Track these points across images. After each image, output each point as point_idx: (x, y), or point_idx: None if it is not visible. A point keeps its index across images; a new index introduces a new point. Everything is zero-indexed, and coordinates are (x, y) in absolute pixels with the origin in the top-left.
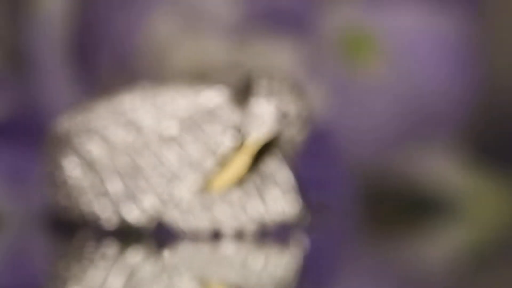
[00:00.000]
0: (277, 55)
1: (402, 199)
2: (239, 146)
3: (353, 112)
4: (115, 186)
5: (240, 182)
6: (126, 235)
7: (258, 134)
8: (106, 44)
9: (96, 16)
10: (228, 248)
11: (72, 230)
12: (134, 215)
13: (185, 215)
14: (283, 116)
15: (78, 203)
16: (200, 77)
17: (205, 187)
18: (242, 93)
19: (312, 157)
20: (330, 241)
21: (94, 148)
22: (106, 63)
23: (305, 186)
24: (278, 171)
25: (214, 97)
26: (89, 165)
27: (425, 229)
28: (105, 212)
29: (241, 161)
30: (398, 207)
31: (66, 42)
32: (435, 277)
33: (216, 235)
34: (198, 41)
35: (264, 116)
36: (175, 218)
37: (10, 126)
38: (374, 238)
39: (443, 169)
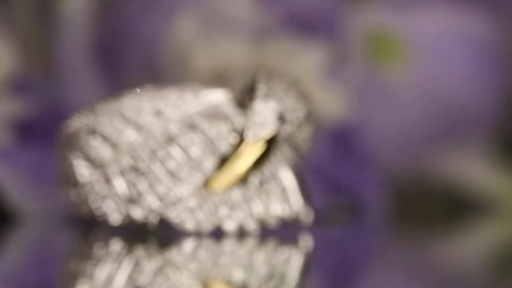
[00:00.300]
0: (302, 58)
1: (434, 200)
2: (241, 146)
3: (382, 113)
4: (120, 185)
5: (242, 182)
6: (133, 232)
7: (259, 134)
8: (132, 46)
9: (122, 18)
10: (230, 246)
11: (89, 227)
12: (139, 213)
13: (187, 213)
14: (283, 116)
15: (88, 201)
16: (222, 79)
17: (206, 187)
18: (245, 94)
19: (343, 159)
20: (363, 242)
21: (100, 148)
22: (132, 64)
23: (308, 186)
24: (279, 170)
25: (215, 98)
26: (96, 164)
27: (457, 229)
28: (112, 210)
29: (243, 161)
30: (430, 208)
31: (93, 44)
32: (468, 277)
33: (219, 234)
34: (221, 44)
35: (265, 116)
36: (179, 216)
37: (38, 126)
38: (406, 239)
39: (473, 169)
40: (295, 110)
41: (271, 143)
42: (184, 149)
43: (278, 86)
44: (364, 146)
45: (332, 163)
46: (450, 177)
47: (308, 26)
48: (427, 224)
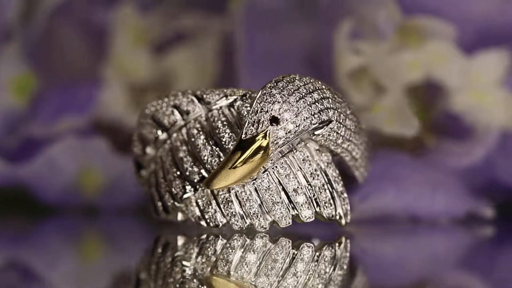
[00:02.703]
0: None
1: None
2: (252, 144)
3: None
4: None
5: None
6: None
7: (250, 133)
8: None
9: None
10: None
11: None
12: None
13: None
14: (276, 118)
15: (150, 185)
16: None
17: (205, 185)
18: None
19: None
20: None
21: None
22: None
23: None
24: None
25: (226, 98)
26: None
27: None
28: (162, 196)
29: (237, 159)
30: None
31: None
32: None
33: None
34: None
35: (259, 116)
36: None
37: None
38: None
39: None
40: (305, 110)
41: (264, 143)
42: (194, 147)
43: (288, 86)
44: None
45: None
46: None
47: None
48: None
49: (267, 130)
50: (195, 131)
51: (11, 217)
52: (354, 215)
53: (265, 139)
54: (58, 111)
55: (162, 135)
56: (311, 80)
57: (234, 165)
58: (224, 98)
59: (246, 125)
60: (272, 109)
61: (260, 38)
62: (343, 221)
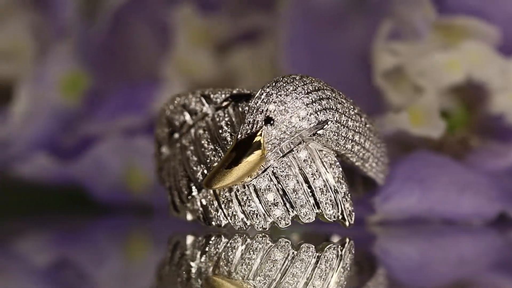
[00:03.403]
0: None
1: None
2: (247, 144)
3: None
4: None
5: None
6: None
7: (245, 133)
8: None
9: None
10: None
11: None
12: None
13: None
14: (271, 118)
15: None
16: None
17: (212, 184)
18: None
19: None
20: None
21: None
22: None
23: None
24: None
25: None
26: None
27: None
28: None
29: (249, 160)
30: None
31: None
32: None
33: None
34: None
35: (254, 116)
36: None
37: None
38: None
39: None
40: (305, 110)
41: (258, 143)
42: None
43: (286, 86)
44: None
45: None
46: None
47: None
48: None
49: (262, 130)
50: (201, 131)
51: (66, 215)
52: (377, 216)
53: (260, 139)
54: (117, 110)
55: (174, 135)
56: (312, 80)
57: (229, 165)
58: (230, 98)
59: (242, 125)
60: (267, 109)
61: (310, 37)
62: (346, 223)
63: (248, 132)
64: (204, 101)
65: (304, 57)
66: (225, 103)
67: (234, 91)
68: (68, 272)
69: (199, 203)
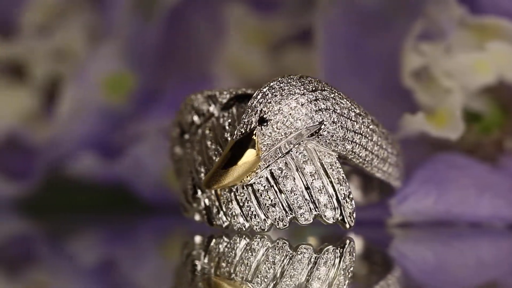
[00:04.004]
0: None
1: None
2: (240, 145)
3: None
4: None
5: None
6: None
7: (239, 133)
8: None
9: None
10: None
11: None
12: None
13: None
14: (265, 118)
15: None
16: None
17: (209, 185)
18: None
19: None
20: None
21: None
22: None
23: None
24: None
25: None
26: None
27: None
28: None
29: (244, 160)
30: None
31: None
32: None
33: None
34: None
35: (249, 116)
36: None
37: None
38: None
39: None
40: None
41: (252, 144)
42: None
43: (285, 86)
44: None
45: None
46: None
47: None
48: None
49: (255, 131)
50: (207, 131)
51: (112, 214)
52: (396, 218)
53: (254, 140)
54: (170, 109)
55: (185, 135)
56: (310, 81)
57: (226, 165)
58: (234, 98)
59: (238, 126)
60: (261, 110)
61: (349, 38)
62: (347, 225)
63: (243, 132)
64: (211, 101)
65: (341, 58)
66: (230, 103)
67: (239, 92)
68: (114, 272)
69: (203, 204)
